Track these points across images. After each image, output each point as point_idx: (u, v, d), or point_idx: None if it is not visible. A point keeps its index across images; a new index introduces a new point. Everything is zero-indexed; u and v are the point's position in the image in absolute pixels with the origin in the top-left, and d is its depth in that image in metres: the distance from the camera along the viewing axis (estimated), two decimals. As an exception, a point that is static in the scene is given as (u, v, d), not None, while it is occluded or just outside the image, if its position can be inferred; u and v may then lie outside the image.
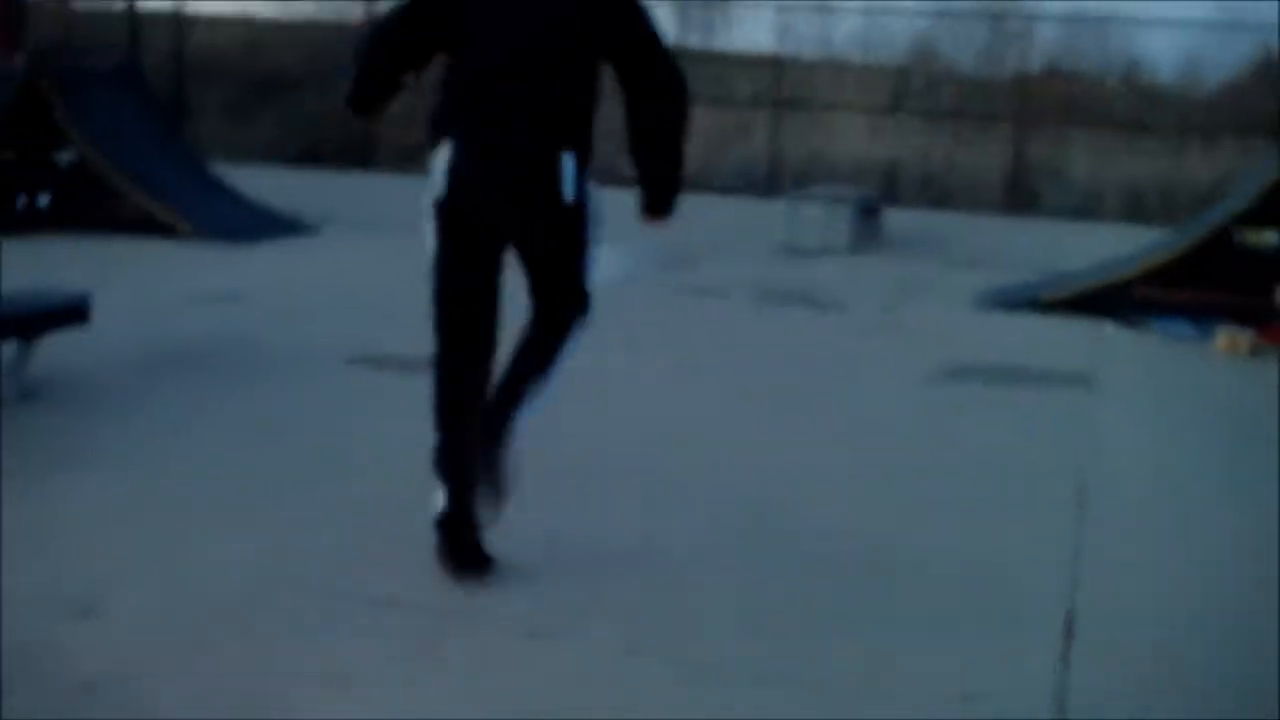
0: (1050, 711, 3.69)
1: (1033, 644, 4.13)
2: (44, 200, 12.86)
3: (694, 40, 27.46)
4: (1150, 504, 5.82)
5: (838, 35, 26.10)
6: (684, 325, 9.83)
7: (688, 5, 27.87)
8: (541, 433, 4.58)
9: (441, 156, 4.25)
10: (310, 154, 23.52)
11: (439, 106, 4.34)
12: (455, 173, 4.22)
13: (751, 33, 29.84)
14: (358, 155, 23.86)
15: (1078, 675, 3.91)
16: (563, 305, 4.41)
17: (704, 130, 24.10)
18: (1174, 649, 4.17)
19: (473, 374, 4.37)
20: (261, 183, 15.32)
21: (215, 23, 25.44)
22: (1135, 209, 20.56)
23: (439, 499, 4.38)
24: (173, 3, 23.87)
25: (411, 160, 23.91)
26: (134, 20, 16.07)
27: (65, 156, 12.92)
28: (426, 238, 4.32)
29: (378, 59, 4.45)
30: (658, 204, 4.49)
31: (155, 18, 23.27)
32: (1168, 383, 8.75)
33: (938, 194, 21.96)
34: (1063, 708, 3.70)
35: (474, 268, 4.31)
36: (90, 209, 12.63)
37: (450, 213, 4.26)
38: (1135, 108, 22.87)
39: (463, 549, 4.38)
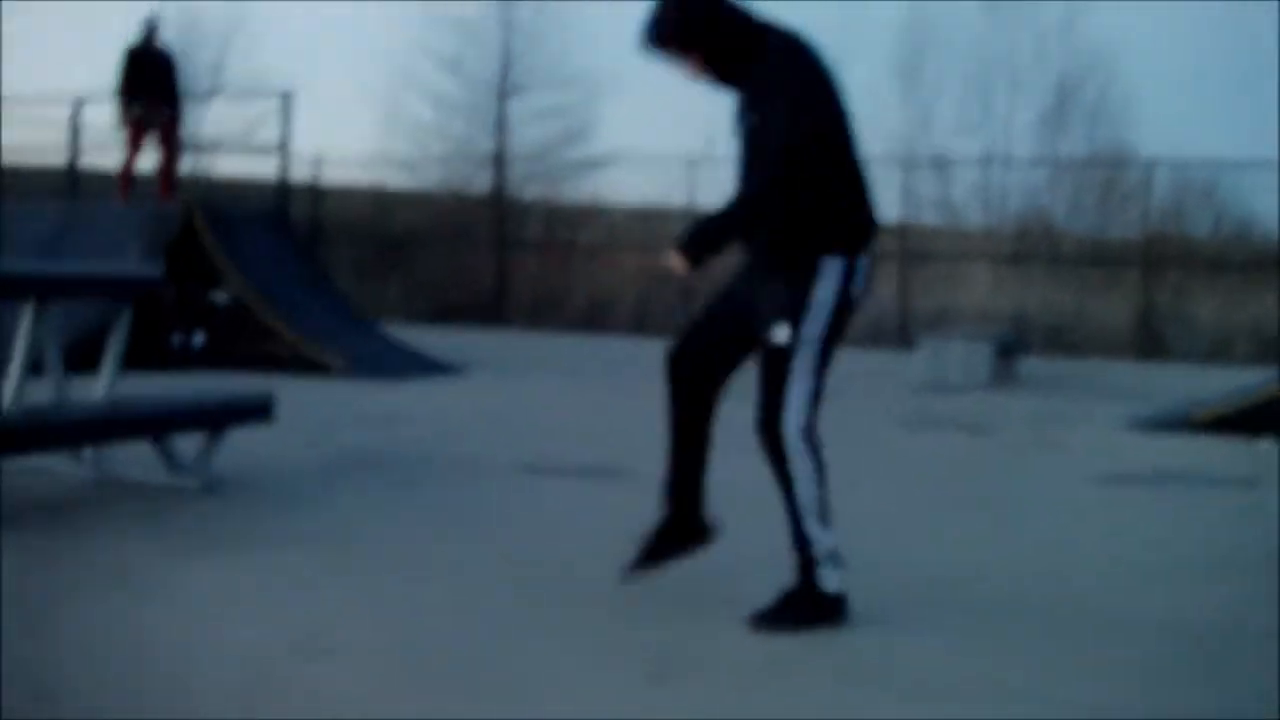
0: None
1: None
2: (199, 339, 13.23)
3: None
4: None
5: (956, 192, 26.47)
6: (847, 448, 9.84)
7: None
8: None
9: (865, 262, 4.49)
10: (441, 311, 24.08)
11: (855, 213, 4.53)
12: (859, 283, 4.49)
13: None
14: (488, 312, 24.39)
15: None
16: None
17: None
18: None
19: None
20: (399, 335, 15.68)
21: (348, 193, 26.28)
22: (1265, 350, 20.37)
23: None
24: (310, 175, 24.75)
25: (541, 315, 24.53)
26: (283, 180, 16.58)
27: (220, 296, 13.32)
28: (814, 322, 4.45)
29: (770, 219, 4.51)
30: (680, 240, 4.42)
31: (292, 189, 24.07)
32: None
33: (1065, 343, 21.96)
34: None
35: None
36: (245, 347, 12.98)
37: (843, 313, 4.48)
38: (1255, 254, 22.86)
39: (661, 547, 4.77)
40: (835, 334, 4.48)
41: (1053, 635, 4.58)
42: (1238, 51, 37.46)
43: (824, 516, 4.49)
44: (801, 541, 4.51)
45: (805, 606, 4.51)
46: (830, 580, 4.50)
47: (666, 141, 41.31)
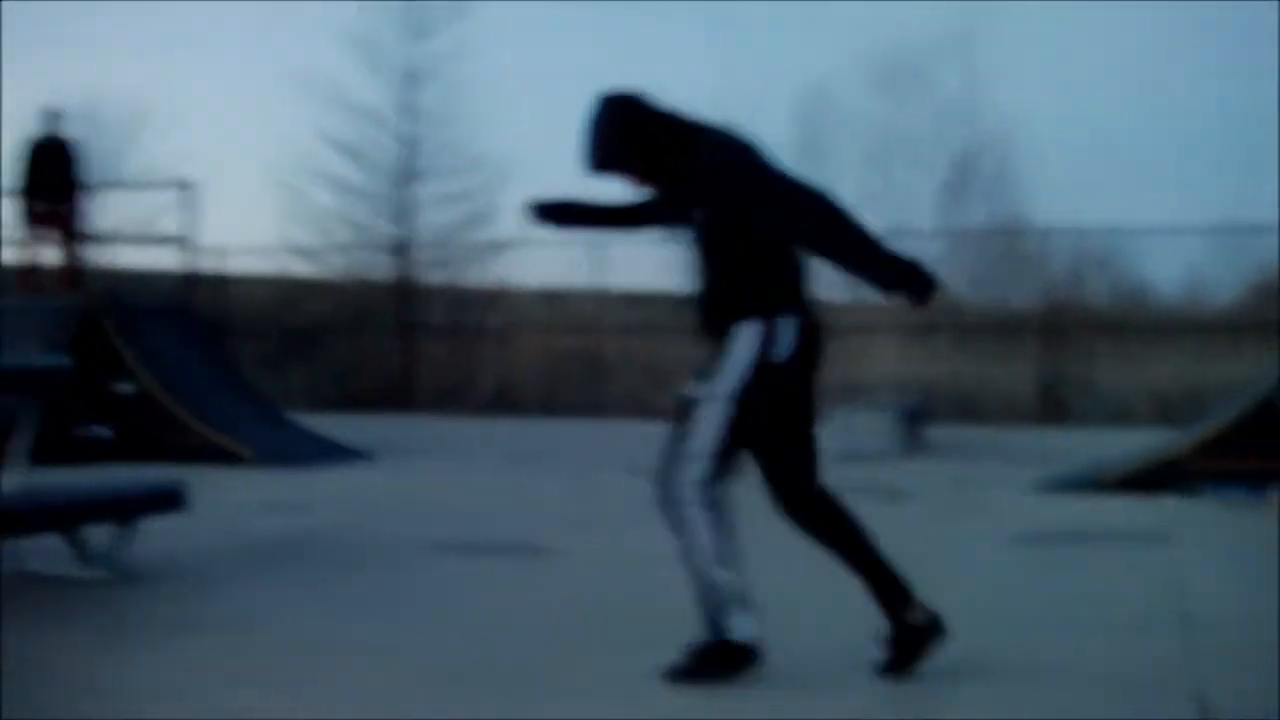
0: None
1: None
2: (106, 431, 13.05)
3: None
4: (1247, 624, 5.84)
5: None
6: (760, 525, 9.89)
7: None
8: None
9: (788, 325, 4.58)
10: (348, 399, 23.95)
11: (774, 282, 4.63)
12: (804, 338, 4.63)
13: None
14: (395, 398, 24.31)
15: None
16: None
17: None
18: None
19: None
20: (307, 423, 15.53)
21: (253, 281, 26.15)
22: (1165, 413, 20.71)
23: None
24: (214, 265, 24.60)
25: (448, 399, 24.47)
26: (187, 270, 16.51)
27: (126, 387, 13.16)
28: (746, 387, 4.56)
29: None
30: (909, 291, 4.53)
31: (197, 278, 23.93)
32: (1237, 536, 8.81)
33: (972, 410, 22.19)
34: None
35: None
36: (152, 439, 12.81)
37: (790, 372, 4.61)
38: (1152, 319, 23.37)
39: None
40: (757, 395, 4.55)
41: (974, 691, 4.62)
42: (1130, 123, 38.36)
43: (725, 560, 4.58)
44: (707, 592, 4.59)
45: (717, 659, 4.59)
46: (742, 628, 4.58)
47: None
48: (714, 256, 4.66)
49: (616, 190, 4.92)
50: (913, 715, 4.38)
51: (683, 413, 4.66)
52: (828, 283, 21.68)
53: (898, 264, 4.48)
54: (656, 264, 21.45)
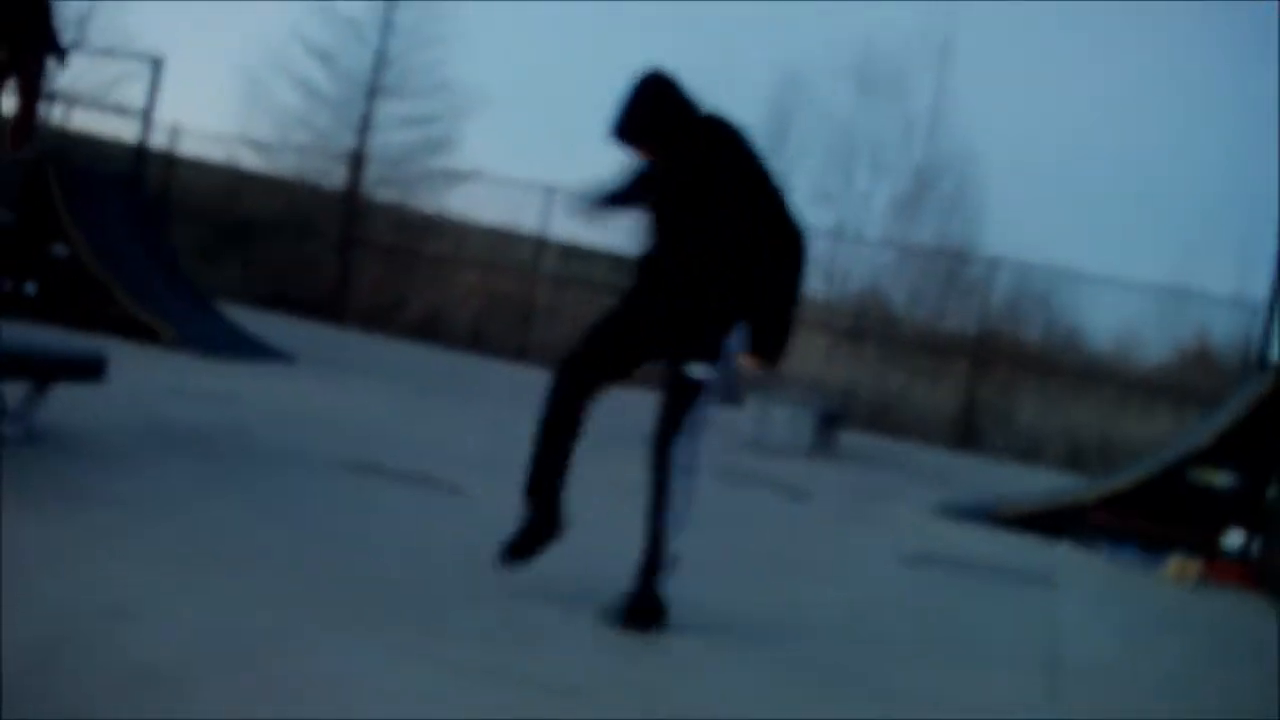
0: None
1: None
2: (31, 288, 12.96)
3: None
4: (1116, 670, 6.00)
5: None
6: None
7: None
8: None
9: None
10: (279, 300, 23.85)
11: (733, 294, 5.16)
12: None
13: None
14: (327, 308, 24.24)
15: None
16: None
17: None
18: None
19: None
20: (235, 317, 15.46)
21: (200, 167, 25.91)
22: (1075, 459, 21.03)
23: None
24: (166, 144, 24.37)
25: (378, 318, 24.41)
26: (142, 146, 16.33)
27: (59, 250, 13.06)
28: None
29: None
30: (765, 350, 5.21)
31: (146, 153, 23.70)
32: (1121, 592, 9.02)
33: (889, 422, 22.39)
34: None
35: None
36: (77, 305, 12.72)
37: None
38: (1080, 364, 23.67)
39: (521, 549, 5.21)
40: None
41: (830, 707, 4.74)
42: (1088, 168, 38.62)
43: (682, 529, 5.14)
44: (656, 549, 5.09)
45: (652, 611, 5.06)
46: (667, 586, 5.10)
47: (526, 166, 41.25)
48: (706, 242, 5.15)
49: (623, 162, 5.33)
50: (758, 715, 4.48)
51: (682, 388, 5.12)
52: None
53: (784, 332, 5.19)
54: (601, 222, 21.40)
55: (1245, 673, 6.89)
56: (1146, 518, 10.76)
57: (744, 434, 14.90)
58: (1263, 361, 12.06)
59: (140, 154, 16.64)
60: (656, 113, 5.14)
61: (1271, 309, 12.20)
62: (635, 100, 5.14)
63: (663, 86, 5.17)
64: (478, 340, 24.24)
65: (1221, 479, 10.81)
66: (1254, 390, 10.93)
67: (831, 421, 15.88)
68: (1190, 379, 22.73)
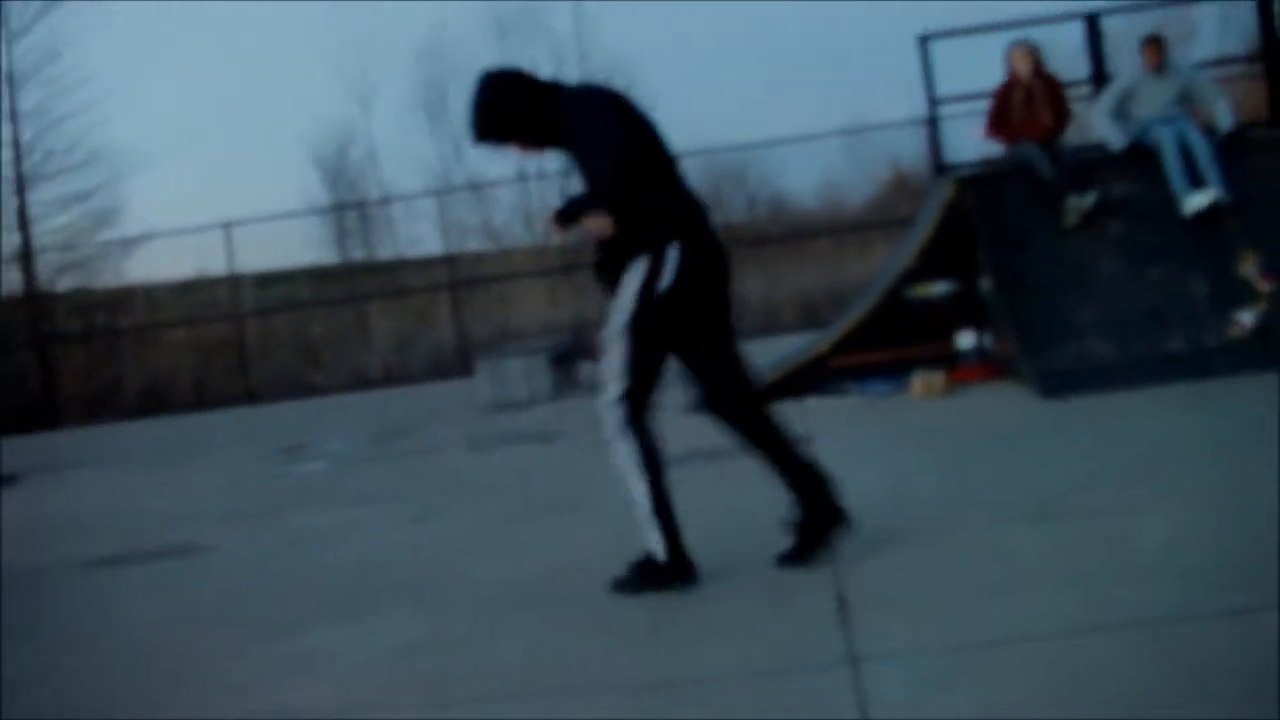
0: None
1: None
2: None
3: (358, 254, 27.83)
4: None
5: (498, 215, 26.81)
6: (415, 475, 9.83)
7: (344, 218, 28.18)
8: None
9: (673, 254, 4.95)
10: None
11: (663, 213, 4.98)
12: (690, 262, 4.97)
13: (411, 228, 30.14)
14: (37, 416, 23.26)
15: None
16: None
17: (387, 329, 24.35)
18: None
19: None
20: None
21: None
22: (811, 317, 21.34)
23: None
24: None
25: (95, 409, 23.48)
26: None
27: None
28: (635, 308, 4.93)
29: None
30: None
31: None
32: (869, 430, 9.14)
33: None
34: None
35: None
36: None
37: (681, 295, 4.96)
38: (788, 228, 24.06)
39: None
40: (653, 322, 4.95)
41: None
42: (750, 41, 39.26)
43: (644, 481, 5.09)
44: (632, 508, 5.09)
45: (645, 574, 5.10)
46: (658, 546, 5.10)
47: (202, 208, 40.27)
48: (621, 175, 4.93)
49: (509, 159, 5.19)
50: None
51: (597, 354, 5.11)
52: (460, 233, 21.49)
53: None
54: (284, 241, 20.91)
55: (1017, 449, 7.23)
56: (881, 348, 10.91)
57: (483, 399, 14.71)
58: (939, 169, 12.26)
59: None
60: (501, 106, 5.13)
61: (933, 120, 12.40)
62: (477, 103, 5.16)
63: (500, 81, 5.18)
64: (201, 396, 23.54)
65: (937, 289, 11.02)
66: (938, 199, 11.11)
67: (566, 359, 15.77)
68: (894, 206, 23.31)
